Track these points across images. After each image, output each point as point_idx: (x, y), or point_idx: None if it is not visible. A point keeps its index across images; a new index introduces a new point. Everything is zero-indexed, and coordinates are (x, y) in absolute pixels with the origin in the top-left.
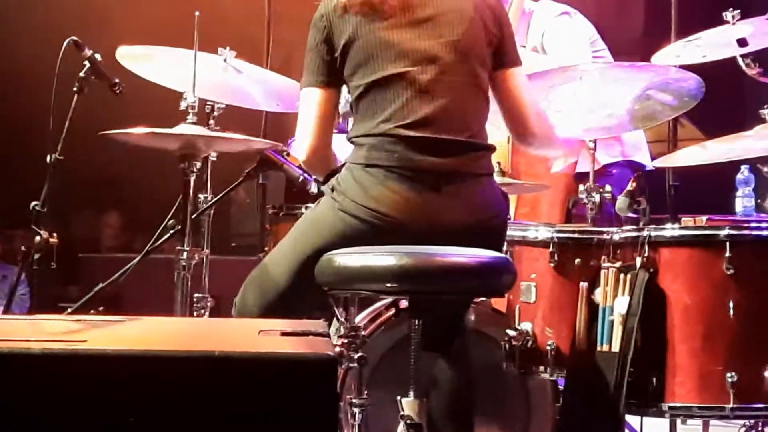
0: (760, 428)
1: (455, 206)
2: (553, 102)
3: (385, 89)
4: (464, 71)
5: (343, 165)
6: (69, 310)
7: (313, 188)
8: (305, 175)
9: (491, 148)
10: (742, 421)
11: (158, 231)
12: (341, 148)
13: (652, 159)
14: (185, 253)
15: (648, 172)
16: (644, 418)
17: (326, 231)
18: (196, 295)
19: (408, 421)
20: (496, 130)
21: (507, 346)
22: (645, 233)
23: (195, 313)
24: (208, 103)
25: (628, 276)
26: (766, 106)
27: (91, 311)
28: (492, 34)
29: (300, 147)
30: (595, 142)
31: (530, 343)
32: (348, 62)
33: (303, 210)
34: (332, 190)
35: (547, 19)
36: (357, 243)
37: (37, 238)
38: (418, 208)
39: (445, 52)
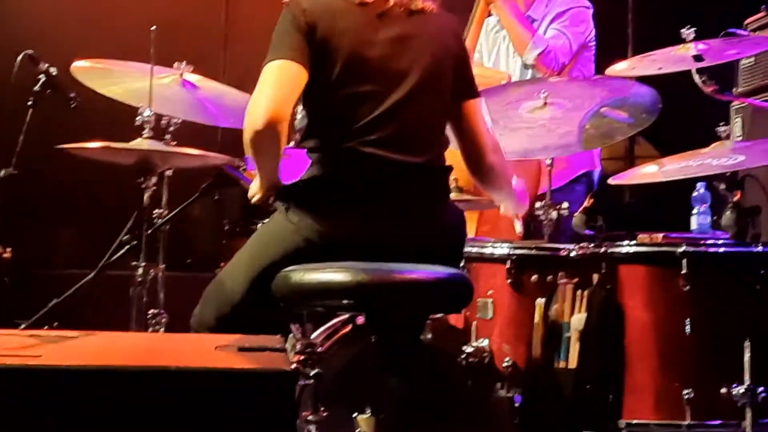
0: None
1: (413, 228)
2: (512, 119)
3: (354, 105)
4: (431, 93)
5: (298, 182)
6: (23, 325)
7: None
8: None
9: (449, 170)
10: None
11: (113, 246)
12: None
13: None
14: (141, 269)
15: (604, 189)
16: None
17: (283, 250)
18: (151, 310)
19: None
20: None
21: (464, 362)
22: (602, 250)
23: (150, 329)
24: (164, 117)
25: (585, 292)
26: (721, 124)
27: (46, 327)
28: (457, 60)
29: (256, 113)
30: (552, 160)
31: (487, 359)
32: (324, 66)
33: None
34: (287, 210)
35: (490, 32)
36: (315, 262)
37: None
38: (376, 231)
39: (416, 73)
